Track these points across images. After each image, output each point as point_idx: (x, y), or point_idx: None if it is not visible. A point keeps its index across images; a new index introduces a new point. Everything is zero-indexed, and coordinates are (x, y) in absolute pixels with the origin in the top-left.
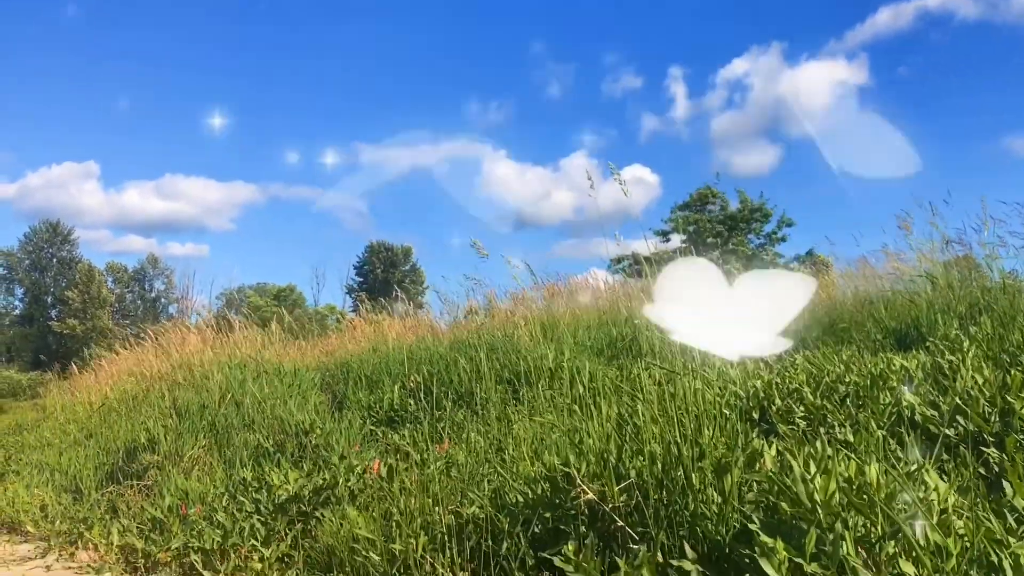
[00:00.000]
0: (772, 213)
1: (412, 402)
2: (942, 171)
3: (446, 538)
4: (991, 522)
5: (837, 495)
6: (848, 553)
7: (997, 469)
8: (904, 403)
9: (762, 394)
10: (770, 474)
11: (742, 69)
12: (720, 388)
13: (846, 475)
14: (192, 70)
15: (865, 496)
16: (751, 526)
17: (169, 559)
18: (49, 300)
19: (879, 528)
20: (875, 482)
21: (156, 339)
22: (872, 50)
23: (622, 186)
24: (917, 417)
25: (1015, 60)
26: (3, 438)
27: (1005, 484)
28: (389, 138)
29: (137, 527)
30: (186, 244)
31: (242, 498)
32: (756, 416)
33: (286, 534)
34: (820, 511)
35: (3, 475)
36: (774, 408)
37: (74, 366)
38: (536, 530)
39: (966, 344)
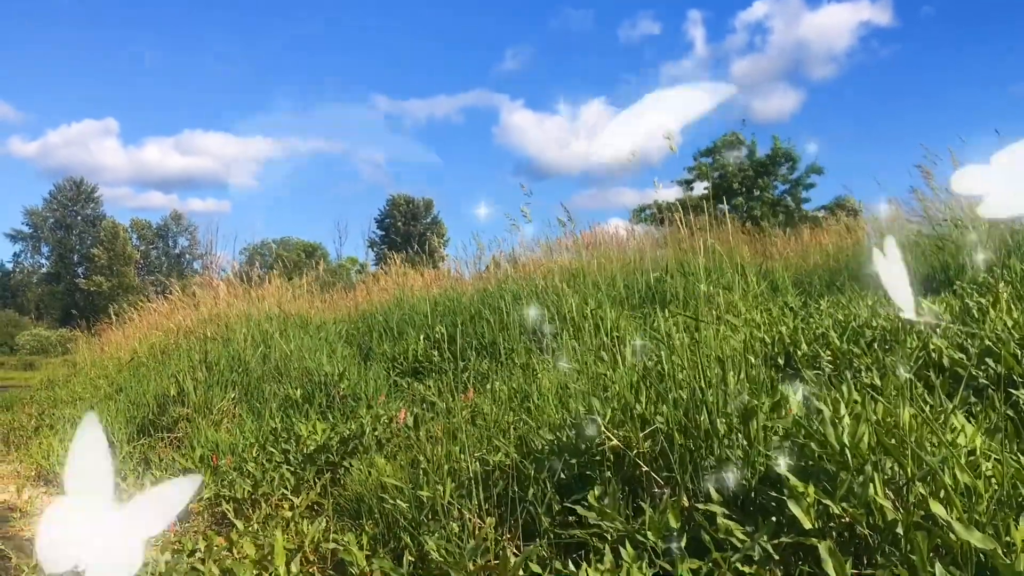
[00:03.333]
0: (799, 158)
1: (436, 353)
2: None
3: (473, 485)
4: (1021, 463)
5: (866, 437)
6: (876, 494)
7: None
8: (932, 346)
9: (787, 340)
10: (797, 418)
11: (762, 11)
12: (745, 334)
13: (875, 417)
14: (208, 25)
15: (895, 439)
16: (778, 470)
17: (201, 508)
18: (75, 258)
19: (908, 470)
20: (907, 424)
21: (183, 293)
22: None
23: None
24: (945, 360)
25: None
26: (36, 393)
27: None
28: (406, 90)
29: (169, 478)
30: (207, 200)
31: (271, 449)
32: (781, 362)
33: (315, 483)
34: (848, 453)
35: (38, 429)
36: (799, 353)
37: (102, 322)
38: (562, 476)
39: (1000, 286)
